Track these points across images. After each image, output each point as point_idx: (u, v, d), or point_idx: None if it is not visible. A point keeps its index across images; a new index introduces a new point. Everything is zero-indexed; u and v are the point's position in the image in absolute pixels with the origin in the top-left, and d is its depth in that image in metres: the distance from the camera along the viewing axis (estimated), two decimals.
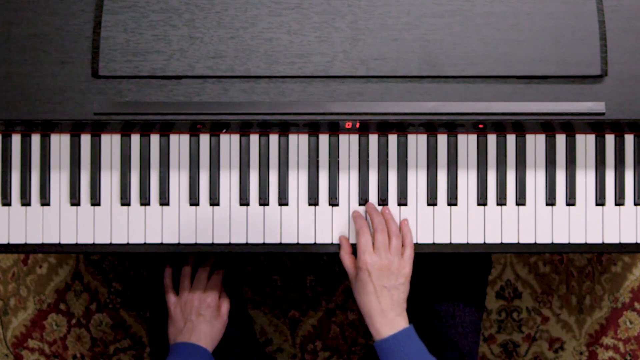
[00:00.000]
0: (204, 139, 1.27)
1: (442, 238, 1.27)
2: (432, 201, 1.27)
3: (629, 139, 1.28)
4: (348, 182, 1.27)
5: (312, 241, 1.27)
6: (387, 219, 1.24)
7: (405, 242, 1.23)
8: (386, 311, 1.19)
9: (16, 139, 1.27)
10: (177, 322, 1.31)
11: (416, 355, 1.17)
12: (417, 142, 1.28)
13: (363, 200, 1.27)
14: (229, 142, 1.27)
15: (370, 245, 1.22)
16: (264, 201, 1.27)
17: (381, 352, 1.18)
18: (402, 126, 1.25)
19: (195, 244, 1.27)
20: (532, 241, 1.27)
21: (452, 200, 1.27)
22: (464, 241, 1.27)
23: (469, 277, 1.38)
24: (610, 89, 1.20)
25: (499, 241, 1.27)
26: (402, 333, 1.18)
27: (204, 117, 1.20)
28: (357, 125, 1.23)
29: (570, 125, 1.24)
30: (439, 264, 1.38)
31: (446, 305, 1.36)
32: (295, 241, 1.27)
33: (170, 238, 1.27)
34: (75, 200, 1.26)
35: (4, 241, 1.26)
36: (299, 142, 1.28)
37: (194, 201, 1.26)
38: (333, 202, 1.27)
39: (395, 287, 1.20)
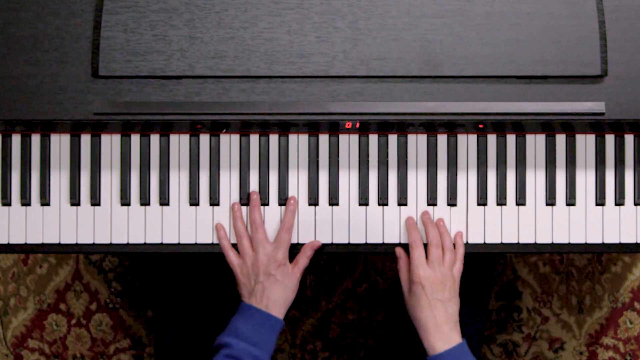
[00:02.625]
0: (204, 139, 1.27)
1: None
2: (432, 201, 1.27)
3: (629, 139, 1.28)
4: (348, 182, 1.27)
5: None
6: (442, 232, 1.25)
7: (456, 256, 1.24)
8: (441, 325, 1.19)
9: (16, 139, 1.27)
10: (246, 285, 1.24)
11: None
12: (417, 142, 1.28)
13: (363, 200, 1.27)
14: (229, 142, 1.27)
15: (424, 258, 1.22)
16: (264, 201, 1.27)
17: None
18: (402, 126, 1.25)
19: (196, 244, 1.27)
20: (532, 241, 1.27)
21: (452, 201, 1.27)
22: (464, 241, 1.27)
23: (473, 278, 1.38)
24: (610, 89, 1.20)
25: (499, 241, 1.27)
26: (456, 348, 1.18)
27: (204, 117, 1.20)
28: (357, 125, 1.23)
29: (570, 125, 1.24)
30: None
31: None
32: (295, 241, 1.27)
33: (170, 238, 1.27)
34: (75, 200, 1.26)
35: (4, 241, 1.26)
36: (299, 142, 1.28)
37: (194, 201, 1.26)
38: (333, 202, 1.27)
39: (449, 299, 1.21)
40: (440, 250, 1.23)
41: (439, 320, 1.19)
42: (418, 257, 1.22)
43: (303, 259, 1.26)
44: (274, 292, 1.23)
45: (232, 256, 1.25)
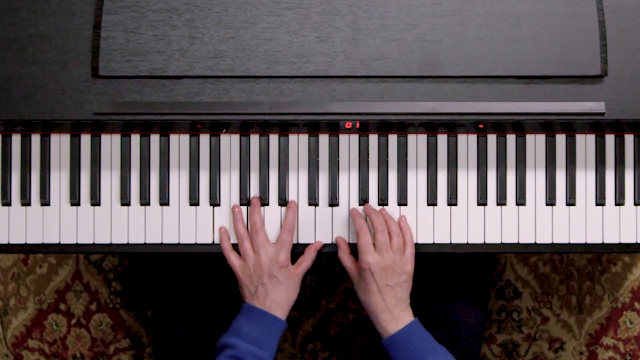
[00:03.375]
0: (204, 139, 1.27)
1: (442, 238, 1.27)
2: (432, 201, 1.27)
3: (629, 139, 1.28)
4: (348, 182, 1.27)
5: (312, 241, 1.27)
6: (387, 218, 1.24)
7: (405, 240, 1.24)
8: (391, 308, 1.20)
9: (16, 139, 1.27)
10: (248, 286, 1.24)
11: (424, 346, 1.18)
12: (417, 142, 1.28)
13: (363, 200, 1.27)
14: (229, 142, 1.27)
15: (371, 245, 1.22)
16: (264, 201, 1.27)
17: (390, 348, 1.19)
18: (402, 126, 1.25)
19: (196, 244, 1.27)
20: (532, 241, 1.27)
21: (452, 200, 1.27)
22: (463, 241, 1.27)
23: (473, 278, 1.38)
24: (610, 89, 1.20)
25: (499, 241, 1.27)
26: (408, 327, 1.19)
27: (204, 117, 1.20)
28: (357, 125, 1.23)
29: (570, 125, 1.24)
30: (442, 265, 1.38)
31: (450, 306, 1.36)
32: (295, 241, 1.27)
33: (170, 238, 1.27)
34: (75, 200, 1.26)
35: (4, 241, 1.26)
36: (299, 142, 1.28)
37: (194, 201, 1.26)
38: (333, 202, 1.27)
39: (399, 284, 1.21)
40: (386, 235, 1.22)
41: (389, 305, 1.20)
42: (365, 244, 1.21)
43: (307, 261, 1.27)
44: (276, 293, 1.23)
45: (233, 258, 1.25)
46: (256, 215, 1.25)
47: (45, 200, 1.26)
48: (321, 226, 1.27)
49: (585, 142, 1.28)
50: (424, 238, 1.27)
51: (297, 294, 1.27)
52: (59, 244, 1.26)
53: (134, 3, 1.20)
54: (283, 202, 1.27)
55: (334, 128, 1.26)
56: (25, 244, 1.26)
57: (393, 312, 1.20)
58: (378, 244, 1.21)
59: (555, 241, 1.27)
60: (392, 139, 1.28)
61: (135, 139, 1.27)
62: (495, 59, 1.20)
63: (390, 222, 1.24)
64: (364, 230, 1.22)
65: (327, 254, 1.25)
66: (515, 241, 1.27)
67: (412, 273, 1.23)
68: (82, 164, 1.27)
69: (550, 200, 1.27)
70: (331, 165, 1.27)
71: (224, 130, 1.26)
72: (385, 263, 1.20)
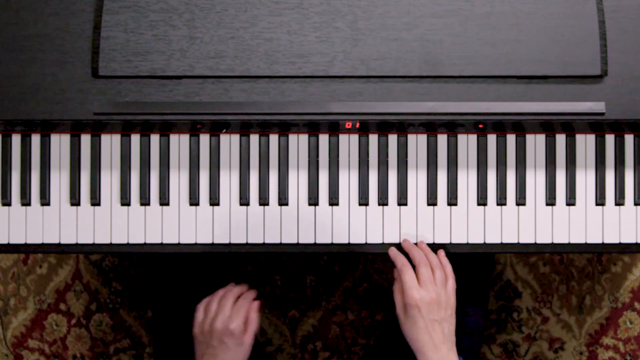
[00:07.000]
0: (204, 139, 1.27)
1: (442, 238, 1.27)
2: (432, 201, 1.27)
3: (629, 139, 1.28)
4: (348, 182, 1.27)
5: (312, 241, 1.27)
6: (426, 252, 1.24)
7: (446, 273, 1.23)
8: (438, 346, 1.18)
9: (16, 139, 1.27)
10: (200, 344, 1.26)
11: None
12: (417, 142, 1.28)
13: (363, 200, 1.27)
14: (229, 142, 1.28)
15: (415, 280, 1.20)
16: (264, 201, 1.27)
17: None
18: (402, 126, 1.25)
19: (195, 244, 1.27)
20: (532, 241, 1.27)
21: (452, 200, 1.27)
22: (464, 241, 1.27)
23: (473, 278, 1.38)
24: (610, 89, 1.20)
25: (499, 241, 1.27)
26: None
27: (204, 117, 1.20)
28: (357, 125, 1.24)
29: (570, 125, 1.24)
30: None
31: None
32: (295, 241, 1.27)
33: (170, 238, 1.27)
34: (75, 201, 1.26)
35: (4, 241, 1.26)
36: (299, 142, 1.28)
37: (194, 201, 1.26)
38: (333, 202, 1.27)
39: (445, 319, 1.20)
40: (429, 269, 1.21)
41: (436, 342, 1.18)
42: (410, 280, 1.20)
43: (252, 324, 1.26)
44: (224, 358, 1.23)
45: (199, 312, 1.26)
46: (229, 298, 1.26)
47: (45, 200, 1.26)
48: (321, 226, 1.27)
49: (585, 142, 1.28)
50: (424, 238, 1.27)
51: (249, 353, 1.26)
52: (59, 244, 1.26)
53: (134, 3, 1.20)
54: (283, 202, 1.27)
55: (334, 128, 1.26)
56: (25, 244, 1.26)
57: (441, 351, 1.18)
58: (422, 278, 1.20)
59: (555, 241, 1.27)
60: (392, 139, 1.28)
61: (135, 139, 1.27)
62: (495, 59, 1.20)
63: (430, 256, 1.23)
64: (406, 267, 1.21)
65: (328, 254, 1.25)
66: (515, 241, 1.27)
67: (455, 307, 1.22)
68: (82, 164, 1.27)
69: (550, 200, 1.27)
70: (331, 165, 1.27)
71: (224, 130, 1.26)
72: (431, 297, 1.19)
